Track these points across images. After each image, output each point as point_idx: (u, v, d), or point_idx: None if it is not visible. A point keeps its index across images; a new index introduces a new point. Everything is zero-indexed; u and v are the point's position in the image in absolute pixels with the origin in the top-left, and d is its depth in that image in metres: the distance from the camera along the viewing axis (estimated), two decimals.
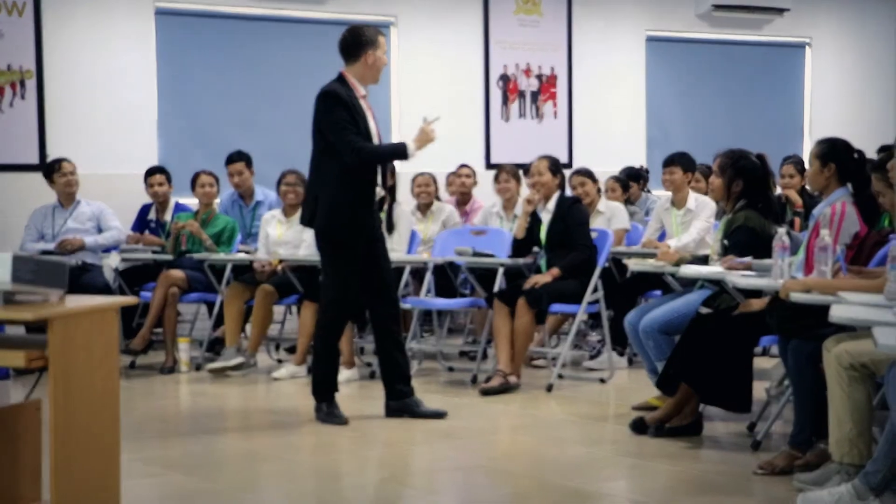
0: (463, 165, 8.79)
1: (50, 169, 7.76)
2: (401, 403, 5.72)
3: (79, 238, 7.59)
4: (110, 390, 3.63)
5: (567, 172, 7.37)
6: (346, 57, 5.64)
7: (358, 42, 5.59)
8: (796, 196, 7.84)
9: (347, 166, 5.46)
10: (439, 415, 5.72)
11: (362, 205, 5.56)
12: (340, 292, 5.62)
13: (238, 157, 8.09)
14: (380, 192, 5.65)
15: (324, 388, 5.66)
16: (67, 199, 7.75)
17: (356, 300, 5.75)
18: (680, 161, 7.28)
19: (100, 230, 7.79)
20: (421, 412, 5.70)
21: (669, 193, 7.42)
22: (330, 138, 5.47)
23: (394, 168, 5.95)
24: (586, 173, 7.66)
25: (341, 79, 5.60)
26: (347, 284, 5.61)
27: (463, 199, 8.72)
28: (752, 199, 5.35)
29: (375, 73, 5.63)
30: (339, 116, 5.44)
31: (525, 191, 7.44)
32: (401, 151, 5.57)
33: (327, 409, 5.63)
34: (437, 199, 8.29)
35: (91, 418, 3.53)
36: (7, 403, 4.13)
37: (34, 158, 8.39)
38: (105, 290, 7.33)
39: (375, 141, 5.59)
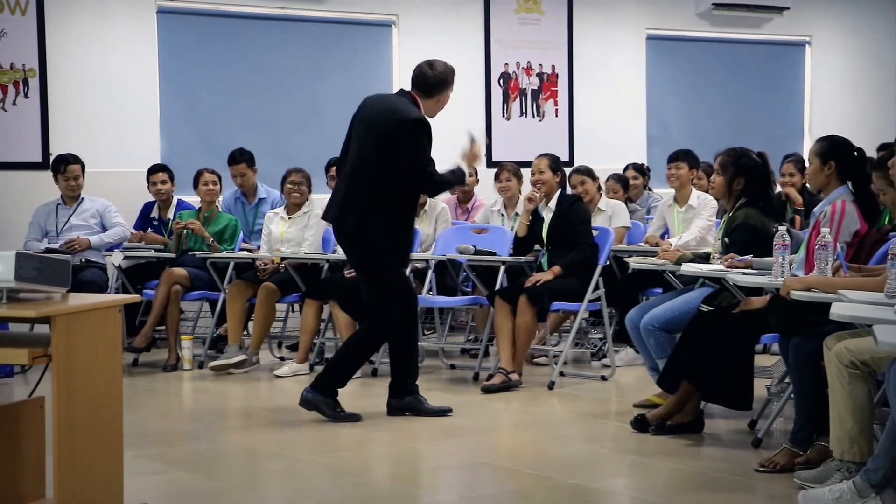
0: None
1: (56, 167, 7.78)
2: (404, 402, 5.72)
3: (84, 239, 7.61)
4: (113, 388, 3.65)
5: (567, 171, 7.38)
6: (423, 91, 5.64)
7: (444, 82, 5.65)
8: (796, 194, 7.85)
9: (408, 192, 5.58)
10: (444, 412, 5.72)
11: (412, 225, 5.73)
12: (392, 312, 5.62)
13: (240, 158, 8.09)
14: None
15: (334, 387, 5.65)
16: (70, 198, 7.78)
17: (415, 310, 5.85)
18: (685, 157, 7.31)
19: (103, 227, 7.81)
20: (425, 410, 5.70)
21: (672, 191, 7.43)
22: (411, 164, 5.48)
23: None
24: (586, 171, 7.66)
25: (416, 103, 5.61)
26: (395, 303, 5.62)
27: (464, 198, 8.71)
28: (753, 197, 5.36)
29: (434, 113, 5.71)
30: (425, 147, 5.51)
31: (526, 189, 7.45)
32: (461, 177, 5.78)
33: (334, 406, 5.62)
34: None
35: (94, 415, 3.55)
36: (11, 400, 4.13)
37: (37, 157, 8.40)
38: (99, 289, 7.31)
39: None
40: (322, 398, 5.61)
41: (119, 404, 3.67)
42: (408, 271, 7.16)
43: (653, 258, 5.97)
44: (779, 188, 8.04)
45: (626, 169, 9.02)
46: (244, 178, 8.11)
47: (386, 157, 5.49)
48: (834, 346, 4.00)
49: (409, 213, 5.66)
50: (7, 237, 7.73)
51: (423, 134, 5.50)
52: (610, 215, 7.63)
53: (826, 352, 4.05)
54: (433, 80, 5.64)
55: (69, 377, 3.41)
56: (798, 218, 7.54)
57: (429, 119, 5.62)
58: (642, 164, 9.39)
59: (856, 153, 4.89)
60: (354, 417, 5.62)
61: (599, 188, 7.79)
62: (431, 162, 5.54)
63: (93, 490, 3.55)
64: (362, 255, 5.66)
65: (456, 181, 5.81)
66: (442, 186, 5.79)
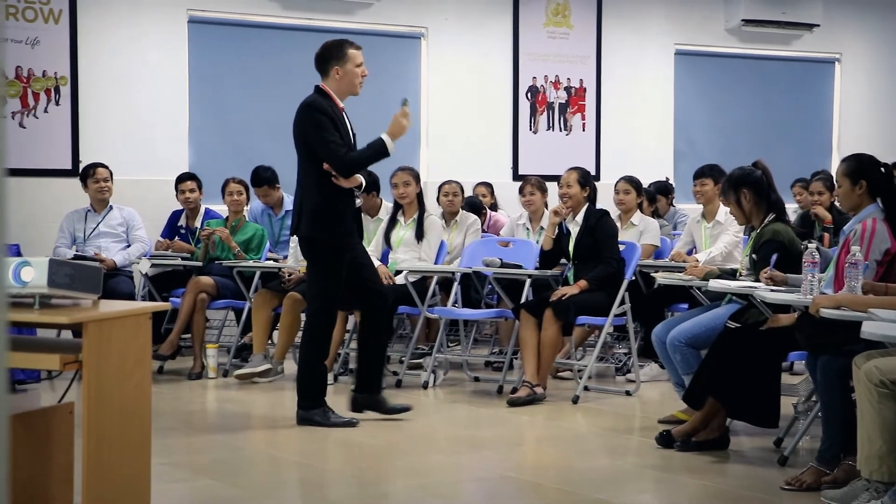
0: (447, 182, 8.45)
1: (85, 174, 7.85)
2: (366, 397, 5.80)
3: (111, 261, 7.64)
4: (142, 394, 3.67)
5: (602, 183, 7.38)
6: (319, 72, 5.76)
7: (324, 58, 5.71)
8: (825, 212, 7.82)
9: (326, 174, 5.58)
10: (403, 409, 5.80)
11: (342, 210, 5.67)
12: (326, 300, 5.72)
13: (262, 180, 8.01)
14: (358, 200, 5.79)
15: (317, 395, 5.73)
16: (100, 204, 7.84)
17: (338, 307, 5.89)
18: (711, 173, 7.29)
19: (129, 236, 7.86)
20: (388, 408, 5.80)
21: (700, 207, 7.41)
22: (315, 148, 5.59)
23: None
24: (634, 183, 7.70)
25: (320, 91, 5.71)
26: (332, 292, 5.71)
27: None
28: (766, 204, 5.37)
29: (349, 87, 5.70)
30: (322, 127, 5.56)
31: (552, 202, 7.44)
32: (381, 149, 5.65)
33: (325, 412, 5.70)
34: (463, 208, 8.24)
35: (124, 422, 3.57)
36: (39, 406, 4.17)
37: (67, 164, 8.47)
38: (129, 297, 7.37)
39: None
40: (314, 410, 5.70)
41: (148, 411, 3.69)
42: (433, 283, 7.17)
43: (679, 273, 5.95)
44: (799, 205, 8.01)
45: (650, 186, 8.99)
46: (266, 197, 8.15)
47: (302, 152, 5.63)
48: (863, 364, 3.97)
49: (335, 197, 5.61)
50: (36, 243, 7.78)
51: (313, 116, 5.57)
52: (641, 231, 7.61)
53: (855, 370, 4.02)
54: (317, 58, 5.74)
55: (99, 383, 3.44)
56: (827, 236, 7.51)
57: (349, 95, 5.69)
58: (667, 181, 9.34)
59: (882, 170, 4.87)
60: (350, 423, 5.68)
61: (640, 204, 7.79)
62: (333, 143, 5.53)
63: (120, 496, 3.57)
64: (305, 256, 5.77)
65: (374, 153, 5.63)
66: (354, 163, 5.59)
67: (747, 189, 5.40)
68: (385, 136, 5.64)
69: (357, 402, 5.82)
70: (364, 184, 5.71)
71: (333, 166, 5.55)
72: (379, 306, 5.86)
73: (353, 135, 5.76)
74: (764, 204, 5.41)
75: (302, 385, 5.77)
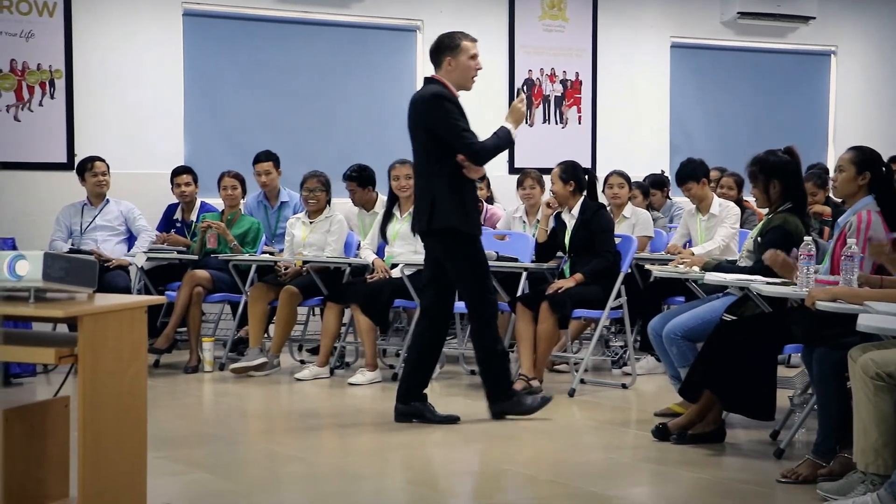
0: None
1: (82, 167, 7.84)
2: (411, 408, 5.68)
3: (125, 259, 7.63)
4: (138, 388, 3.66)
5: (599, 176, 7.37)
6: (433, 64, 5.66)
7: (437, 49, 5.62)
8: (823, 207, 7.82)
9: (456, 165, 5.48)
10: (451, 420, 5.69)
11: (473, 201, 5.63)
12: (483, 288, 5.59)
13: (266, 157, 8.15)
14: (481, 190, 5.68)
15: (505, 383, 5.69)
16: (97, 198, 7.82)
17: (495, 293, 5.71)
18: (691, 175, 7.24)
19: (129, 230, 7.85)
20: (433, 417, 5.67)
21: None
22: (447, 140, 5.47)
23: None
24: (626, 177, 7.74)
25: (438, 82, 5.58)
26: (485, 278, 5.60)
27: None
28: (792, 195, 5.32)
29: (460, 79, 5.59)
30: (454, 117, 5.47)
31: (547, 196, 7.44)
32: (508, 138, 5.60)
33: (520, 400, 5.69)
34: None
35: (119, 416, 3.56)
36: (35, 399, 4.16)
37: (62, 157, 8.45)
38: (125, 291, 7.36)
39: None
40: (504, 403, 5.69)
41: (143, 405, 3.69)
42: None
43: (679, 266, 5.93)
44: None
45: (645, 179, 8.99)
46: (268, 176, 8.15)
47: (428, 145, 5.51)
48: (859, 357, 3.98)
49: (468, 188, 5.56)
50: (31, 237, 7.77)
51: (442, 106, 5.46)
52: (633, 223, 7.62)
53: (851, 363, 4.03)
54: (431, 50, 5.66)
55: (95, 377, 3.43)
56: (826, 229, 7.50)
57: (461, 89, 5.58)
58: (662, 174, 9.34)
59: (884, 167, 4.88)
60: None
61: (631, 197, 7.81)
62: (467, 131, 5.48)
63: (116, 490, 3.56)
64: (447, 252, 5.61)
65: (502, 143, 5.59)
66: (486, 152, 5.54)
67: (778, 180, 5.35)
68: (508, 124, 5.59)
69: (399, 412, 5.68)
70: (486, 175, 5.61)
71: (467, 155, 5.47)
72: (445, 311, 5.71)
73: None
74: (790, 194, 5.37)
75: (489, 378, 5.67)
